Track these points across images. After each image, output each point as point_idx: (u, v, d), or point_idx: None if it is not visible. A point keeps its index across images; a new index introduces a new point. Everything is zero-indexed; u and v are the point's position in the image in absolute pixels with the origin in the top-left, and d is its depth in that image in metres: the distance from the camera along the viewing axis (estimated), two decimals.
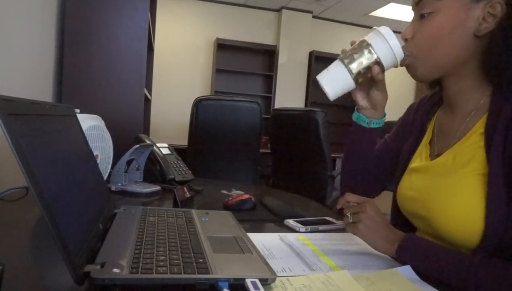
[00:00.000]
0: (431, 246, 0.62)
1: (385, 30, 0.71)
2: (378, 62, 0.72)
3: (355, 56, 0.72)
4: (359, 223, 0.68)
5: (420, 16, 0.69)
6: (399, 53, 0.71)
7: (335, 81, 0.74)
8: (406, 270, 0.60)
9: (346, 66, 0.72)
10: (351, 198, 0.72)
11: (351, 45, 0.74)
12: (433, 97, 0.85)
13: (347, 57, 0.73)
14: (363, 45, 0.72)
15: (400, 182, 0.81)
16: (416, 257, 0.62)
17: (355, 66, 0.72)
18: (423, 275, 0.59)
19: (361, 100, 0.82)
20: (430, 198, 0.70)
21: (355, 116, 0.86)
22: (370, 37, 0.72)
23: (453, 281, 0.57)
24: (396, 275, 0.59)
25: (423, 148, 0.80)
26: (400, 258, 0.64)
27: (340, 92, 0.75)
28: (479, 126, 0.66)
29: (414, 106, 0.90)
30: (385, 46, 0.70)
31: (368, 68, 0.72)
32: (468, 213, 0.62)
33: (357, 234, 0.68)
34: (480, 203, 0.61)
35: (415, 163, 0.80)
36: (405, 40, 0.71)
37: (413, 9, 0.72)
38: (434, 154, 0.75)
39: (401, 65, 0.73)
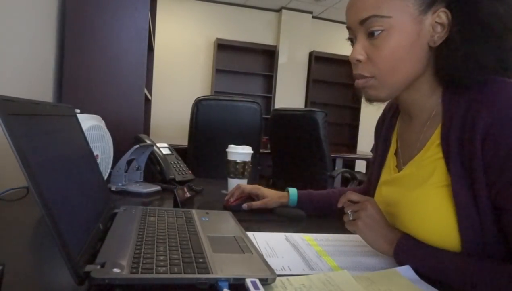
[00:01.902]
0: (427, 247, 0.62)
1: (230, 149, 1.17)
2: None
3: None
4: (358, 221, 0.68)
5: (368, 34, 0.64)
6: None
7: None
8: (406, 270, 0.60)
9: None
10: (353, 196, 0.72)
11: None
12: (394, 105, 0.84)
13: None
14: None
15: (374, 196, 0.81)
16: (413, 258, 0.62)
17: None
18: (421, 275, 0.59)
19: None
20: (401, 212, 0.70)
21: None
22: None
23: (450, 281, 0.57)
24: (396, 275, 0.59)
25: (390, 159, 0.79)
26: (397, 258, 0.64)
27: None
28: (436, 137, 0.65)
29: (380, 120, 0.90)
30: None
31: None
32: (441, 227, 0.62)
33: (356, 232, 0.69)
34: (450, 215, 0.61)
35: (384, 175, 0.80)
36: (357, 61, 0.66)
37: (353, 28, 0.67)
38: (400, 165, 0.75)
39: (361, 87, 0.68)
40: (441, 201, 0.62)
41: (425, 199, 0.64)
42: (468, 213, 0.59)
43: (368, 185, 0.90)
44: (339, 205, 0.73)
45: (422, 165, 0.67)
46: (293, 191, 1.00)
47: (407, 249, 0.63)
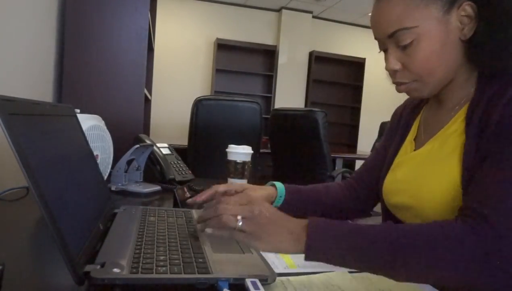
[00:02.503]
0: (342, 223, 0.56)
1: None
2: None
3: None
4: (249, 221, 0.54)
5: (398, 45, 0.66)
6: None
7: None
8: None
9: None
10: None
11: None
12: None
13: None
14: None
15: (385, 178, 0.81)
16: (330, 236, 0.54)
17: None
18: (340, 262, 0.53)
19: None
20: (415, 186, 0.70)
21: None
22: None
23: (371, 257, 0.52)
24: None
25: (408, 144, 0.80)
26: (310, 255, 0.53)
27: None
28: (462, 113, 0.67)
29: (399, 109, 0.90)
30: None
31: None
32: (454, 196, 0.62)
33: (252, 237, 0.54)
34: (458, 182, 0.62)
35: (399, 158, 0.80)
36: (394, 71, 0.68)
37: (381, 40, 0.68)
38: (420, 147, 0.75)
39: (403, 91, 0.70)
40: (460, 172, 0.63)
41: (444, 170, 0.65)
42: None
43: (365, 171, 0.90)
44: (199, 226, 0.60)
45: (444, 140, 0.68)
46: (279, 184, 0.86)
47: (321, 230, 0.54)
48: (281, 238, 0.54)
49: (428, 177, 0.68)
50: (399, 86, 0.70)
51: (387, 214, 0.82)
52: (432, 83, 0.67)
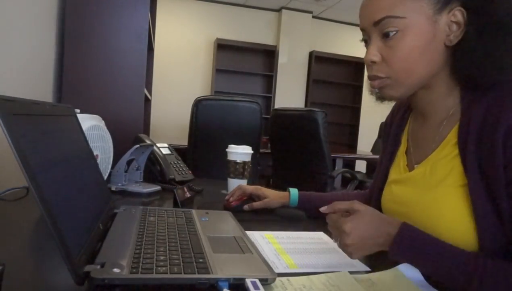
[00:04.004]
0: (428, 241, 0.59)
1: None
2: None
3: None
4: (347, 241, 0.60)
5: (383, 35, 0.64)
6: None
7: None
8: (409, 270, 0.60)
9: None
10: (340, 205, 0.66)
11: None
12: (403, 104, 0.84)
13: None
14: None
15: (383, 195, 0.80)
16: (411, 252, 0.58)
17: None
18: (419, 270, 0.58)
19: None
20: (415, 213, 0.68)
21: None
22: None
23: (450, 275, 0.55)
24: (398, 275, 0.59)
25: (400, 158, 0.78)
26: (393, 254, 0.59)
27: None
28: (452, 136, 0.65)
29: (388, 119, 0.89)
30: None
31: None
32: (457, 228, 0.61)
33: (354, 256, 0.62)
34: (467, 216, 0.60)
35: (394, 174, 0.79)
36: (372, 63, 0.66)
37: (367, 29, 0.67)
38: (412, 164, 0.74)
39: (376, 87, 0.68)
40: (459, 202, 0.61)
41: (443, 199, 0.64)
42: (486, 213, 0.58)
43: (374, 186, 0.88)
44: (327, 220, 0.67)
45: (437, 164, 0.67)
46: (294, 191, 0.99)
47: (406, 242, 0.59)
48: (373, 245, 0.61)
49: (426, 205, 0.66)
50: (373, 81, 0.68)
51: None
52: (407, 84, 0.66)
